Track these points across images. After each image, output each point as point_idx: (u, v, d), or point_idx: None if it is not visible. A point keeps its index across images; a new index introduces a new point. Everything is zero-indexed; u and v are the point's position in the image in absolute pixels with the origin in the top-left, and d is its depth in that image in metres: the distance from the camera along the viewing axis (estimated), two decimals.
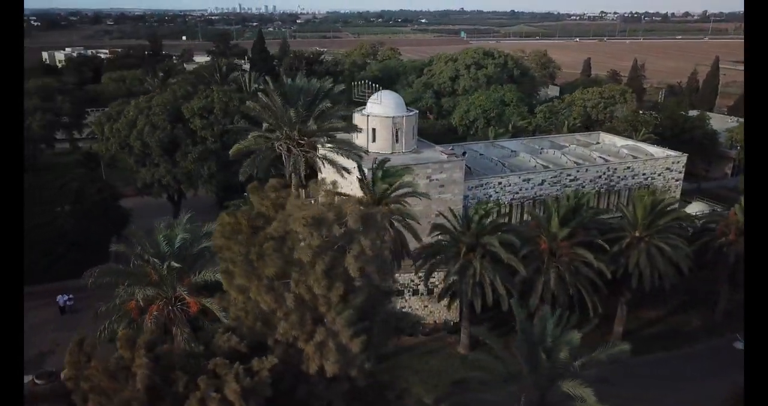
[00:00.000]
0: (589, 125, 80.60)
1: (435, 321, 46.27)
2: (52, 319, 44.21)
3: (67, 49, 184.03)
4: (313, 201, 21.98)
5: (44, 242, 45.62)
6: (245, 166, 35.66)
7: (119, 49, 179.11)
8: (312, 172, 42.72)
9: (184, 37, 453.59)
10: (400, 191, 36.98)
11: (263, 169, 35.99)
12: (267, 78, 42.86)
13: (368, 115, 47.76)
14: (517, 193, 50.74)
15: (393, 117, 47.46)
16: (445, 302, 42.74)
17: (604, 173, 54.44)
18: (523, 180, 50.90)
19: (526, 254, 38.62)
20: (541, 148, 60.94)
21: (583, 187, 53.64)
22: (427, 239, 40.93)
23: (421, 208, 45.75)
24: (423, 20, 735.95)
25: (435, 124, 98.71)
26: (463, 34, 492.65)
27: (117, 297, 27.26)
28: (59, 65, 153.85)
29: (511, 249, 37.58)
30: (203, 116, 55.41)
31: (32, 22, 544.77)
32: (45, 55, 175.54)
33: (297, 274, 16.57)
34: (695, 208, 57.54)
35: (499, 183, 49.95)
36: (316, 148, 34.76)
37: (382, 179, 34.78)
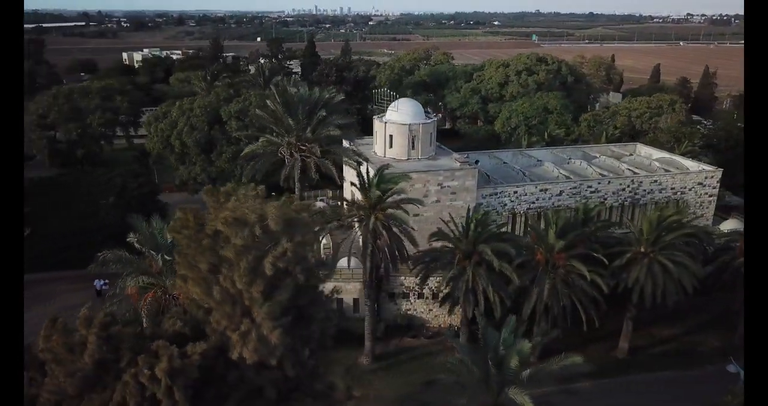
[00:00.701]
0: (633, 135, 78.63)
1: (440, 325, 47.27)
2: (88, 300, 48.54)
3: (145, 50, 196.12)
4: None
5: (87, 232, 50.13)
6: (248, 169, 38.31)
7: (191, 51, 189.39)
8: (327, 176, 44.81)
9: (258, 39, 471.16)
10: (397, 197, 38.30)
11: (262, 173, 38.49)
12: (272, 86, 45.33)
13: (386, 122, 49.44)
14: (534, 202, 50.88)
15: (409, 124, 48.86)
16: (446, 306, 43.65)
17: (629, 186, 53.52)
18: (540, 190, 50.98)
19: (523, 263, 39.11)
20: (569, 158, 60.46)
21: (605, 199, 53.07)
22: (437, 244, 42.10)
23: (431, 214, 47.10)
24: (496, 23, 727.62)
25: (480, 130, 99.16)
26: (534, 38, 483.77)
27: (119, 284, 30.24)
28: (136, 65, 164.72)
29: (506, 258, 38.19)
30: (239, 119, 58.83)
31: (123, 23, 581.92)
32: (125, 55, 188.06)
33: (225, 270, 18.58)
34: (729, 225, 55.39)
35: (515, 192, 50.31)
36: (316, 154, 36.75)
37: (377, 186, 36.30)
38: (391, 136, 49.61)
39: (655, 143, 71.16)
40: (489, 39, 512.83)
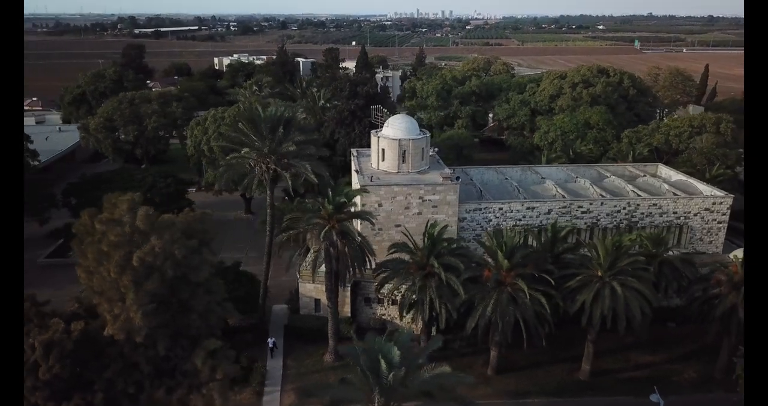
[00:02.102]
0: (672, 154, 75.95)
1: (413, 331, 49.57)
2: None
3: (234, 55, 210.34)
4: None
5: None
6: (217, 178, 43.13)
7: (274, 56, 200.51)
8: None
9: (353, 43, 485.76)
10: (353, 210, 41.40)
11: (229, 180, 43.25)
12: (240, 103, 49.69)
13: (379, 137, 52.59)
14: (520, 220, 51.84)
15: (399, 139, 51.66)
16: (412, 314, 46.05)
17: (624, 208, 52.96)
18: (527, 208, 51.86)
19: (476, 278, 40.82)
20: (575, 177, 60.37)
21: (598, 220, 52.93)
22: None
23: (414, 225, 49.60)
24: (600, 27, 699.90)
25: (523, 143, 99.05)
26: (636, 43, 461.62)
27: None
28: (224, 69, 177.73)
29: (456, 272, 40.21)
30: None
31: (231, 27, 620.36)
32: (216, 60, 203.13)
33: (105, 261, 22.94)
34: (740, 253, 53.17)
35: (500, 209, 51.58)
36: (278, 167, 40.70)
37: (332, 201, 39.52)
38: (383, 150, 52.70)
39: (686, 165, 68.84)
40: (588, 44, 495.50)
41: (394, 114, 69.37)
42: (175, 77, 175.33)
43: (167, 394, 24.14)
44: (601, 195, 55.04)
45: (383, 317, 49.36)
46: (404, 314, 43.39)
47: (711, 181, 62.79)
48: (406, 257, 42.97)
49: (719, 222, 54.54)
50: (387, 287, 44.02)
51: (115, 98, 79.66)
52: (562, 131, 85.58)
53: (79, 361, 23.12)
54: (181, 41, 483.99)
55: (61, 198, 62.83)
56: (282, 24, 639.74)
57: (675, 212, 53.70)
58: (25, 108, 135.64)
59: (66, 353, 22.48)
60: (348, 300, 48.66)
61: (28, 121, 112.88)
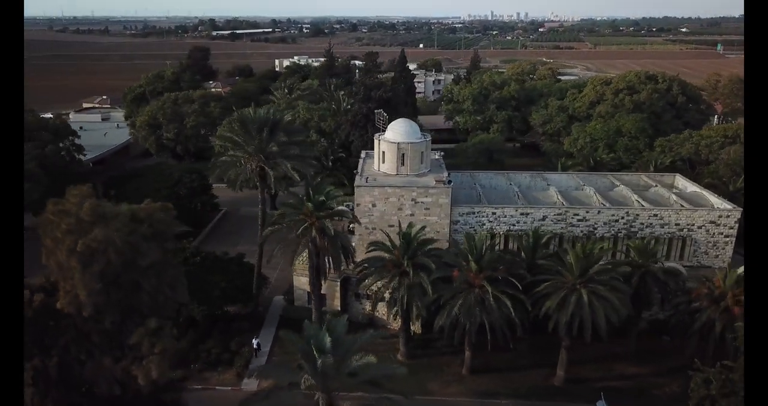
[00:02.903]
0: (703, 163, 73.47)
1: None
2: None
3: (295, 57, 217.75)
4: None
5: None
6: (209, 174, 46.79)
7: (338, 58, 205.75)
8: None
9: (421, 45, 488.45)
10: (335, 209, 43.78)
11: (222, 175, 46.78)
12: (235, 110, 52.84)
13: (380, 140, 54.70)
14: (514, 225, 52.42)
15: (398, 143, 53.54)
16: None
17: (622, 218, 52.40)
18: (521, 213, 52.38)
19: (447, 278, 42.22)
20: (583, 185, 60.06)
21: (595, 229, 52.69)
22: None
23: (405, 226, 51.33)
24: (683, 29, 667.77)
25: (558, 149, 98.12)
26: (719, 47, 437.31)
27: None
28: (282, 71, 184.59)
29: (428, 271, 41.80)
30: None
31: (304, 30, 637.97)
32: (276, 62, 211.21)
33: (60, 245, 26.48)
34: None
35: (493, 213, 52.37)
36: (266, 166, 43.66)
37: (311, 200, 42.03)
38: (383, 153, 54.77)
39: (713, 176, 66.76)
40: (668, 48, 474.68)
41: (412, 119, 71.37)
42: (236, 78, 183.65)
43: (114, 363, 27.34)
44: (602, 204, 54.65)
45: (372, 313, 51.37)
46: (376, 309, 45.31)
47: (734, 194, 60.79)
48: (387, 255, 44.90)
49: (726, 236, 52.88)
50: (366, 283, 45.93)
51: (161, 98, 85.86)
52: (592, 138, 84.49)
53: (39, 328, 26.73)
54: (255, 43, 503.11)
55: (101, 189, 68.75)
56: (353, 26, 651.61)
57: (677, 224, 52.56)
58: (95, 105, 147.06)
59: (26, 320, 26.07)
60: (338, 295, 51.09)
61: (94, 117, 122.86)
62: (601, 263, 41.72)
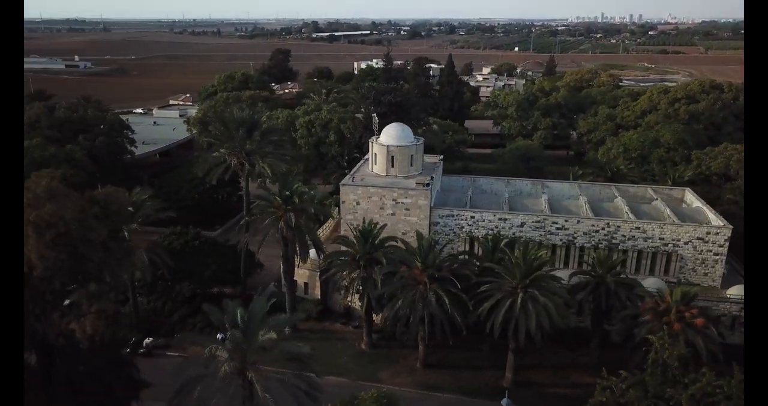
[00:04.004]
0: (729, 178, 69.88)
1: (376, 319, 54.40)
2: None
3: (374, 59, 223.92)
4: None
5: (177, 200, 69.83)
6: (200, 169, 52.16)
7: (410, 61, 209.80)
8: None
9: (516, 49, 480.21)
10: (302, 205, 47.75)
11: (206, 168, 51.93)
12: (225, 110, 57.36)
13: (372, 143, 58.02)
14: (493, 230, 53.65)
15: (388, 146, 56.56)
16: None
17: (603, 229, 52.15)
18: (499, 219, 53.60)
19: (396, 273, 44.87)
20: (579, 195, 59.83)
21: (575, 238, 52.87)
22: None
23: (388, 224, 54.38)
24: None
25: (596, 157, 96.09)
26: None
27: None
28: (356, 73, 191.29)
29: (381, 267, 44.75)
30: (308, 128, 72.82)
31: (402, 32, 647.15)
32: (355, 64, 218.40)
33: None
34: (735, 291, 49.63)
35: (472, 217, 54.01)
36: (247, 161, 48.33)
37: (281, 194, 46.27)
38: (375, 155, 58.03)
39: (735, 192, 63.71)
40: None
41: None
42: (314, 79, 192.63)
43: (60, 318, 33.02)
44: (589, 214, 54.53)
45: (349, 303, 54.81)
46: (351, 300, 48.68)
47: None
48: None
49: (715, 254, 51.06)
50: (329, 274, 49.49)
51: (215, 98, 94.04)
52: (625, 149, 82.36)
53: None
54: (351, 45, 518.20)
55: (146, 178, 77.35)
56: (451, 29, 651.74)
57: (662, 238, 51.49)
58: (179, 102, 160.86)
59: None
60: (318, 285, 55.02)
61: (173, 113, 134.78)
62: (546, 269, 42.62)
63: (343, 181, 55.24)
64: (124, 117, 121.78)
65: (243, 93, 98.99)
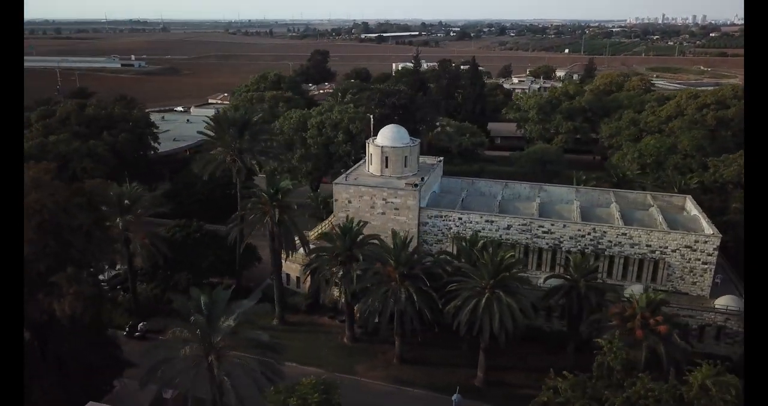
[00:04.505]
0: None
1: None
2: None
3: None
4: None
5: (191, 195, 73.48)
6: (197, 166, 55.12)
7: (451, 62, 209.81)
8: None
9: (566, 51, 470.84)
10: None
11: (202, 165, 54.65)
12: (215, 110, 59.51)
13: (368, 144, 59.72)
14: (480, 231, 54.32)
15: (382, 146, 58.14)
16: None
17: (589, 234, 52.09)
18: (486, 220, 54.28)
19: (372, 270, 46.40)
20: (575, 199, 59.72)
21: (561, 242, 53.02)
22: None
23: (378, 223, 56.18)
24: None
25: (610, 163, 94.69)
26: None
27: None
28: (393, 74, 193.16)
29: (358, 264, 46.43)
30: (319, 128, 75.22)
31: (452, 32, 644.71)
32: (393, 65, 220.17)
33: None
34: (723, 301, 48.76)
35: (460, 218, 54.90)
36: (241, 160, 50.92)
37: (267, 191, 48.60)
38: (371, 155, 59.71)
39: (740, 201, 62.10)
40: None
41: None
42: (352, 80, 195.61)
43: (45, 296, 36.25)
44: (578, 219, 54.47)
45: (336, 298, 56.62)
46: (339, 295, 50.57)
47: None
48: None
49: (704, 263, 50.21)
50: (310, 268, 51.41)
51: (239, 97, 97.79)
52: (640, 154, 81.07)
53: None
54: (398, 46, 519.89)
55: (168, 173, 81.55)
56: (501, 30, 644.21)
57: (648, 245, 51.02)
58: (217, 101, 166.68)
59: None
60: (308, 279, 57.06)
61: (209, 112, 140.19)
62: (514, 270, 43.29)
63: (336, 180, 57.18)
64: (162, 115, 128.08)
65: (266, 93, 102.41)
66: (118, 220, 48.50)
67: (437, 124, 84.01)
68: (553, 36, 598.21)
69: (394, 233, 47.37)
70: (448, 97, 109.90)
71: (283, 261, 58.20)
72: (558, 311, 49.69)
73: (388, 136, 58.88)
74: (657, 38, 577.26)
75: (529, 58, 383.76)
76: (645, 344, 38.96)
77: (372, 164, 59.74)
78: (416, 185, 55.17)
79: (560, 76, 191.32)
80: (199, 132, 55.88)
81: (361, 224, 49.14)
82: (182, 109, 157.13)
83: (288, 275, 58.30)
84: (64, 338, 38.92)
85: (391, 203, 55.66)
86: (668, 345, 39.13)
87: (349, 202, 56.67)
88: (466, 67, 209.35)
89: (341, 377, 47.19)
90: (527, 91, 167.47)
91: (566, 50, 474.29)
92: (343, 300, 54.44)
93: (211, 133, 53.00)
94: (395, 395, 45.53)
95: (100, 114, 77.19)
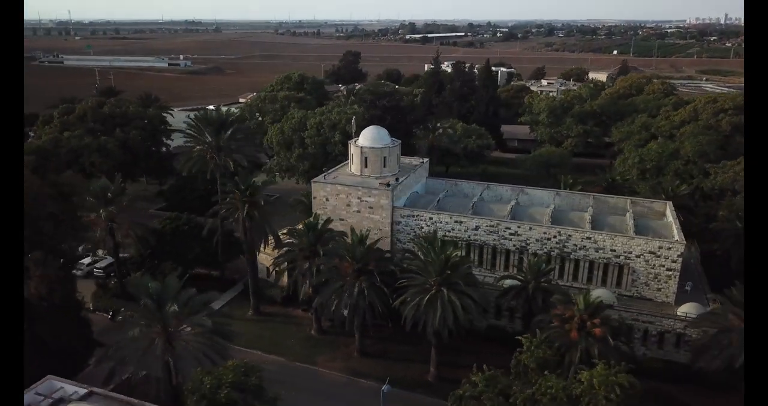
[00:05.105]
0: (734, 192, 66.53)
1: None
2: None
3: (446, 63, 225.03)
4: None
5: (195, 190, 77.20)
6: (179, 163, 58.39)
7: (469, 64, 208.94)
8: None
9: (615, 52, 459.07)
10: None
11: (183, 162, 57.66)
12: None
13: (350, 144, 61.80)
14: (450, 231, 55.65)
15: (361, 147, 60.09)
16: None
17: (555, 237, 52.55)
18: (455, 221, 55.47)
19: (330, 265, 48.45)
20: (552, 203, 60.08)
21: (527, 245, 53.68)
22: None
23: (354, 221, 58.19)
24: None
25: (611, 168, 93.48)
26: None
27: None
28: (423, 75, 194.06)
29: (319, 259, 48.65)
30: (317, 129, 77.86)
31: (498, 33, 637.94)
32: (426, 67, 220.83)
33: None
34: (686, 309, 48.48)
35: (430, 218, 56.27)
36: (218, 158, 53.90)
37: (239, 187, 51.36)
38: (352, 155, 61.75)
39: (729, 209, 61.08)
40: None
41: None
42: (382, 81, 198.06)
43: None
44: (549, 223, 54.91)
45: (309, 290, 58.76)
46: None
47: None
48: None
49: (668, 269, 49.94)
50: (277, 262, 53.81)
51: (255, 97, 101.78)
52: (641, 159, 79.99)
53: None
54: (443, 47, 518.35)
55: (176, 168, 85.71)
56: (549, 31, 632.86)
57: (613, 250, 51.11)
58: (248, 100, 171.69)
59: None
60: (285, 273, 59.55)
61: (235, 110, 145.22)
62: (463, 268, 44.50)
63: (314, 179, 59.51)
64: (187, 112, 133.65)
65: (279, 93, 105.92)
66: (102, 211, 52.18)
67: (438, 125, 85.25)
68: (603, 37, 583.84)
69: (352, 230, 49.27)
70: (462, 99, 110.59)
71: (259, 254, 60.89)
72: (519, 311, 50.45)
73: (368, 136, 60.77)
74: (714, 39, 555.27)
75: (572, 60, 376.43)
76: (580, 346, 39.66)
77: (353, 164, 61.77)
78: (389, 185, 56.84)
79: (592, 79, 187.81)
80: (179, 131, 59.22)
81: (327, 220, 51.24)
82: (212, 108, 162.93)
83: (268, 268, 60.95)
84: (37, 317, 42.73)
85: (366, 201, 57.54)
86: (603, 347, 39.61)
87: (327, 199, 58.87)
88: (498, 68, 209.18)
89: (300, 366, 49.80)
90: (555, 93, 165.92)
91: (614, 52, 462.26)
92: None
93: (191, 132, 56.27)
94: (347, 386, 47.41)
95: (115, 112, 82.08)
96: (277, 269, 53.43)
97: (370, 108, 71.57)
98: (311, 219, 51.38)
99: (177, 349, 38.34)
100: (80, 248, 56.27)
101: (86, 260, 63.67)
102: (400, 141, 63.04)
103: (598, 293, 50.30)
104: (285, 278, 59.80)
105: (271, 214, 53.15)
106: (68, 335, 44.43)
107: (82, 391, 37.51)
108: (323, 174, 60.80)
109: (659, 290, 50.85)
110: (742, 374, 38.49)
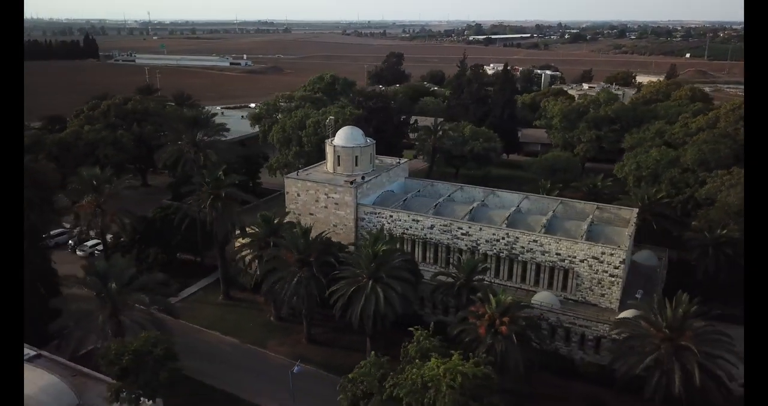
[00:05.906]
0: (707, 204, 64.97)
1: None
2: None
3: (492, 64, 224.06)
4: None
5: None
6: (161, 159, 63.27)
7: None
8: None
9: (687, 55, 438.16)
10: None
11: (165, 159, 62.07)
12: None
13: (326, 143, 64.93)
14: (408, 229, 57.72)
15: (335, 146, 63.07)
16: None
17: (503, 238, 53.55)
18: (412, 219, 57.45)
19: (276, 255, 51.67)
20: (518, 206, 60.84)
21: (478, 245, 54.96)
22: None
23: (322, 216, 61.49)
24: None
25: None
26: None
27: None
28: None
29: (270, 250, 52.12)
30: (315, 128, 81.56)
31: (566, 35, 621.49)
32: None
33: None
34: (627, 315, 48.50)
35: (390, 216, 58.50)
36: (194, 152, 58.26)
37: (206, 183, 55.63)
38: (327, 154, 64.87)
39: (704, 219, 59.98)
40: None
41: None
42: (424, 83, 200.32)
43: None
44: (503, 225, 55.87)
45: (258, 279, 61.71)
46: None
47: (715, 242, 55.14)
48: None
49: (611, 275, 49.95)
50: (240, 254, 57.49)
51: (273, 98, 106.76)
52: (638, 166, 78.60)
53: None
54: (506, 48, 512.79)
55: None
56: (621, 32, 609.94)
57: (558, 254, 51.59)
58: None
59: None
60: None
61: None
62: (392, 264, 46.63)
63: (287, 175, 63.02)
64: (222, 110, 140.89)
65: (295, 93, 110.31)
66: (88, 197, 57.53)
67: (439, 127, 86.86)
68: (679, 39, 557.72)
69: (297, 223, 52.38)
70: (479, 101, 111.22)
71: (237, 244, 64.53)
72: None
73: (342, 136, 63.70)
74: None
75: (638, 63, 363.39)
76: (487, 343, 41.04)
77: (328, 162, 64.88)
78: (353, 183, 59.52)
79: (639, 82, 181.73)
80: (159, 128, 64.34)
81: (284, 214, 54.73)
82: (253, 106, 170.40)
83: (232, 256, 64.99)
84: None
85: (332, 197, 60.50)
86: (509, 345, 40.80)
87: (298, 195, 62.29)
88: (543, 71, 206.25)
89: (251, 348, 53.36)
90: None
91: (687, 55, 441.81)
92: None
93: (175, 127, 61.27)
94: (286, 367, 50.40)
95: (136, 108, 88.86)
96: (238, 257, 57.14)
97: (358, 109, 74.25)
98: (266, 212, 54.82)
99: (123, 322, 42.95)
100: (74, 230, 61.85)
101: (90, 242, 70.16)
102: (374, 141, 65.55)
103: (542, 295, 51.31)
104: (254, 266, 63.97)
105: (233, 206, 56.77)
106: (36, 304, 49.51)
107: (32, 353, 42.75)
108: (297, 171, 64.22)
109: (603, 295, 50.91)
110: (644, 380, 39.07)
